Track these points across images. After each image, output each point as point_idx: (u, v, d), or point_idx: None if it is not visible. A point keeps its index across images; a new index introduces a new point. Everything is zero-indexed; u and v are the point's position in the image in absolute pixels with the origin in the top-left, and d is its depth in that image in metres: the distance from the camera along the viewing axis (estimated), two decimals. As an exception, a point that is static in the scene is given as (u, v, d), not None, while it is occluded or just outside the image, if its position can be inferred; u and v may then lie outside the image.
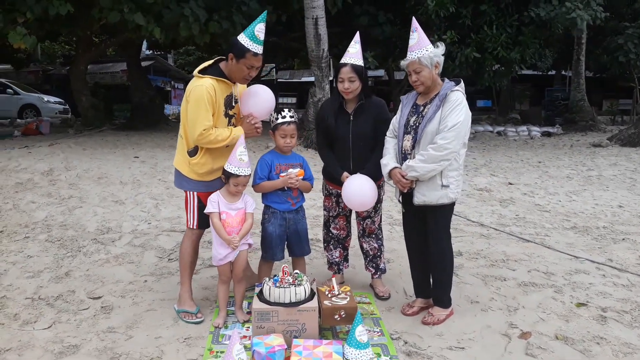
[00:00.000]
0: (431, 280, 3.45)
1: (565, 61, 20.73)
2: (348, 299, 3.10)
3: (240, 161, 3.13)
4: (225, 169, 3.15)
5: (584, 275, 4.13)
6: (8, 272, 4.10)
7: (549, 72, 24.20)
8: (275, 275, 3.14)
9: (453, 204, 3.28)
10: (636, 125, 13.37)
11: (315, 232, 5.02)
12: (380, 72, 26.17)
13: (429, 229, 3.29)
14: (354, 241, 3.99)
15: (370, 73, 22.59)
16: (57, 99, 20.55)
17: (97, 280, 3.97)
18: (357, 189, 3.40)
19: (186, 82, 31.71)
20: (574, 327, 3.27)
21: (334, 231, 3.81)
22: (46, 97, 20.28)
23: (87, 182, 6.98)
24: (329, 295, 3.14)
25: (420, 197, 3.20)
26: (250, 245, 3.35)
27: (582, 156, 11.16)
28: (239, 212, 3.24)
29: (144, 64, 21.97)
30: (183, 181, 3.44)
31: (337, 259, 3.86)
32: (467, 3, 12.24)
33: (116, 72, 26.88)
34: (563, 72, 25.83)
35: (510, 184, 7.89)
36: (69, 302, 3.60)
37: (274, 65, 29.36)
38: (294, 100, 31.67)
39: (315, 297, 3.09)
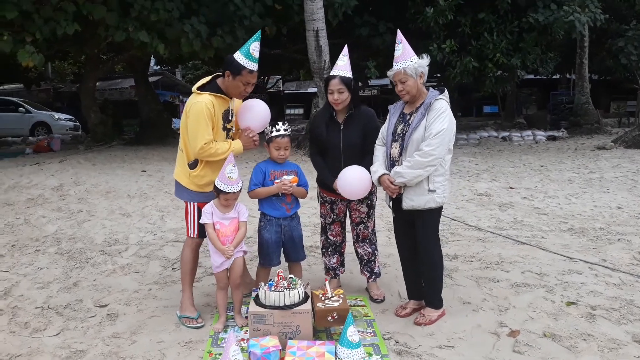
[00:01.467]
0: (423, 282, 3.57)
1: (569, 64, 20.77)
2: (340, 301, 3.23)
3: (229, 179, 3.28)
4: (216, 184, 3.31)
5: (576, 275, 4.23)
6: (19, 284, 4.28)
7: (553, 76, 24.23)
8: (271, 280, 3.28)
9: (440, 208, 3.41)
10: (640, 127, 13.39)
11: (315, 239, 5.15)
12: (386, 81, 26.33)
13: (417, 233, 3.42)
14: (350, 247, 4.12)
15: (376, 82, 22.80)
16: (68, 116, 20.96)
17: (103, 290, 4.13)
18: (351, 178, 3.50)
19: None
20: (562, 324, 3.37)
21: (331, 238, 3.94)
22: (57, 115, 20.68)
23: (96, 197, 7.19)
24: (323, 298, 3.27)
25: (409, 202, 3.33)
26: (245, 252, 3.50)
27: (585, 159, 11.21)
28: (232, 222, 3.39)
29: (151, 79, 22.37)
30: (183, 192, 3.60)
31: (334, 265, 4.00)
32: (466, 11, 12.40)
33: (125, 88, 27.37)
34: (568, 76, 25.84)
35: (511, 188, 7.98)
36: (76, 310, 3.76)
37: (280, 77, 29.68)
38: (301, 111, 31.90)
39: (309, 300, 3.23)
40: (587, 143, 14.49)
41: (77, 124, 20.70)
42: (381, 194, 3.67)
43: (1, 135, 18.66)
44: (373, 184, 3.57)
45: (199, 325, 3.47)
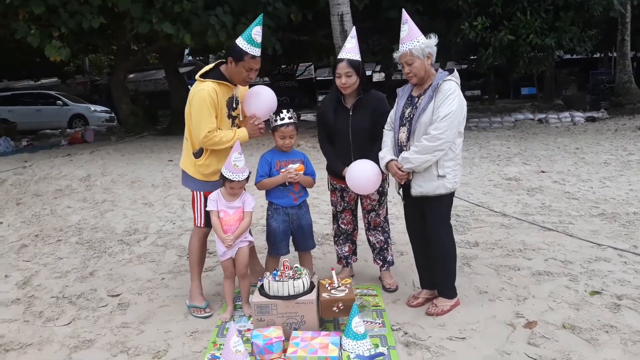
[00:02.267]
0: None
1: (610, 42, 19.87)
2: (347, 291, 3.14)
3: (235, 167, 3.22)
4: (222, 172, 3.26)
5: (603, 263, 4.00)
6: (39, 273, 4.36)
7: (594, 55, 23.23)
8: (276, 270, 3.22)
9: (451, 194, 3.26)
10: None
11: (330, 227, 5.06)
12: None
13: (427, 220, 3.28)
14: (363, 235, 4.01)
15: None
16: (104, 108, 21.42)
17: (118, 279, 4.16)
18: (360, 172, 3.41)
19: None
20: (583, 315, 3.19)
21: (343, 226, 3.85)
22: (93, 107, 21.16)
23: (121, 186, 7.29)
24: (329, 288, 3.19)
25: (417, 189, 3.20)
26: (250, 242, 3.44)
27: (624, 140, 10.70)
28: (236, 211, 3.34)
29: (184, 69, 22.60)
30: (190, 181, 3.57)
31: (346, 253, 3.91)
32: (496, -11, 11.97)
33: (159, 79, 27.76)
34: (609, 54, 24.74)
35: (542, 172, 7.68)
36: (89, 299, 3.80)
37: (310, 63, 29.54)
38: (333, 97, 31.70)
39: (314, 290, 3.15)
40: (629, 124, 13.83)
41: (113, 115, 21.13)
42: (393, 181, 3.55)
43: (41, 128, 19.24)
44: (383, 172, 3.45)
45: (206, 315, 3.45)
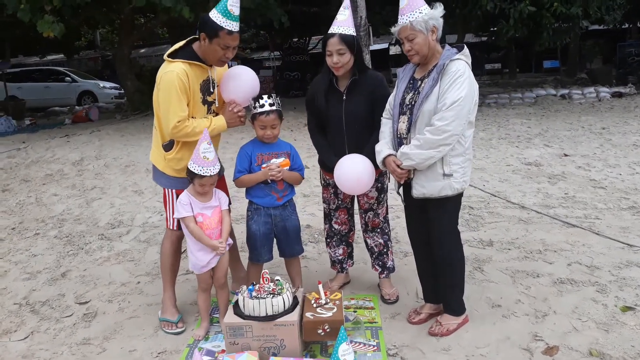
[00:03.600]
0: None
1: (640, 12, 18.80)
2: (335, 310, 2.69)
3: (205, 159, 2.76)
4: (188, 167, 2.80)
5: (636, 270, 3.49)
6: (8, 274, 4.00)
7: (622, 26, 22.06)
8: (252, 283, 2.78)
9: (459, 195, 2.76)
10: None
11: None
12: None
13: (431, 226, 2.80)
14: (360, 236, 3.55)
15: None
16: (113, 84, 21.01)
17: (90, 282, 3.77)
18: (349, 165, 2.93)
19: (241, 60, 31.77)
20: (614, 339, 2.71)
21: (336, 226, 3.38)
22: (102, 83, 20.78)
23: (114, 171, 6.90)
24: (315, 305, 2.74)
25: (419, 189, 2.71)
26: (229, 245, 3.00)
27: (655, 119, 9.98)
28: (215, 211, 2.89)
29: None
30: (160, 177, 3.12)
31: (340, 257, 3.45)
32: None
33: (170, 54, 27.18)
34: (639, 25, 23.49)
35: (565, 155, 7.08)
36: (54, 307, 3.42)
37: (322, 36, 28.69)
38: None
39: (298, 308, 2.70)
40: (659, 100, 13.04)
41: (122, 92, 20.72)
42: (393, 178, 3.05)
43: (50, 105, 18.94)
44: (380, 172, 2.97)
45: (178, 330, 3.04)
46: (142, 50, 28.79)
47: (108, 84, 20.97)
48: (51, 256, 4.29)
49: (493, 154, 7.39)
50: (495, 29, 14.25)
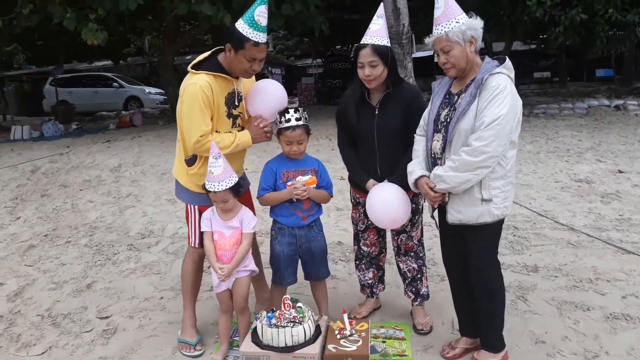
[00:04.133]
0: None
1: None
2: (360, 343, 2.49)
3: (210, 174, 2.63)
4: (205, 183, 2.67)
5: (701, 306, 3.13)
6: (35, 282, 3.98)
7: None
8: (273, 310, 2.60)
9: (500, 222, 2.51)
10: None
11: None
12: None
13: (468, 254, 2.55)
14: (391, 260, 3.33)
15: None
16: (158, 90, 21.44)
17: (114, 295, 3.70)
18: (383, 203, 2.74)
19: (285, 67, 31.88)
20: (677, 389, 2.39)
21: (365, 248, 3.17)
22: (147, 89, 21.26)
23: (150, 178, 6.90)
24: (338, 337, 2.55)
25: (455, 215, 2.47)
26: (252, 271, 2.83)
27: None
28: (234, 233, 2.73)
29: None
30: (182, 193, 3.00)
31: (370, 281, 3.23)
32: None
33: (215, 61, 27.55)
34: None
35: (620, 172, 6.62)
36: (75, 321, 3.34)
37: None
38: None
39: (320, 338, 2.51)
40: None
41: (167, 97, 21.11)
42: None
43: (98, 109, 19.50)
44: (412, 194, 2.75)
45: (196, 353, 2.90)
46: (188, 57, 29.28)
47: (154, 90, 21.42)
48: (79, 265, 4.26)
49: (541, 168, 6.99)
50: (544, 36, 13.72)
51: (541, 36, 14.50)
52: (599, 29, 10.72)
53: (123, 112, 19.39)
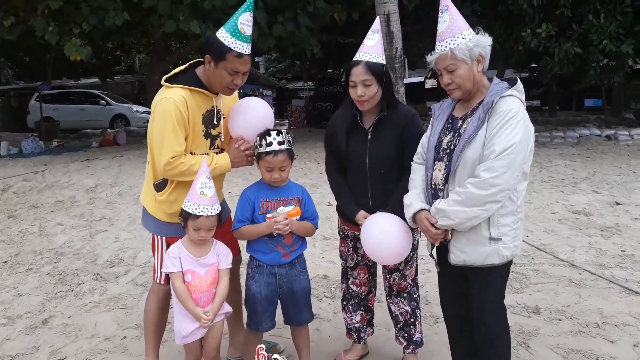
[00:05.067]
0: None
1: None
2: (345, 404, 2.13)
3: (201, 196, 2.29)
4: (183, 207, 2.33)
5: None
6: (-14, 316, 3.58)
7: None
8: (245, 361, 2.25)
9: (508, 263, 2.20)
10: None
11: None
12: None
13: (472, 299, 2.23)
14: (381, 297, 2.99)
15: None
16: (146, 109, 21.09)
17: (71, 333, 3.30)
18: (383, 236, 2.41)
19: (276, 89, 31.75)
20: None
21: (353, 287, 2.84)
22: (135, 107, 20.90)
23: (126, 200, 6.53)
24: (320, 395, 2.19)
25: (459, 255, 2.16)
26: (226, 313, 2.49)
27: None
28: (209, 270, 2.40)
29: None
30: (150, 221, 2.66)
31: (357, 325, 2.89)
32: (566, -11, 10.60)
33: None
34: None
35: (617, 204, 6.37)
36: (22, 365, 2.95)
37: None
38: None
39: (299, 398, 2.16)
40: None
41: (153, 116, 20.79)
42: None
43: (83, 127, 19.09)
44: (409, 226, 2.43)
45: (158, 407, 2.52)
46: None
47: (141, 108, 21.07)
48: (37, 297, 3.86)
49: (536, 198, 6.73)
50: (536, 65, 13.67)
51: (533, 65, 14.45)
52: (593, 59, 10.64)
53: (108, 130, 19.02)
